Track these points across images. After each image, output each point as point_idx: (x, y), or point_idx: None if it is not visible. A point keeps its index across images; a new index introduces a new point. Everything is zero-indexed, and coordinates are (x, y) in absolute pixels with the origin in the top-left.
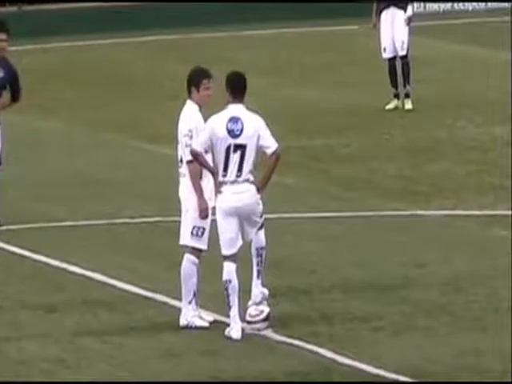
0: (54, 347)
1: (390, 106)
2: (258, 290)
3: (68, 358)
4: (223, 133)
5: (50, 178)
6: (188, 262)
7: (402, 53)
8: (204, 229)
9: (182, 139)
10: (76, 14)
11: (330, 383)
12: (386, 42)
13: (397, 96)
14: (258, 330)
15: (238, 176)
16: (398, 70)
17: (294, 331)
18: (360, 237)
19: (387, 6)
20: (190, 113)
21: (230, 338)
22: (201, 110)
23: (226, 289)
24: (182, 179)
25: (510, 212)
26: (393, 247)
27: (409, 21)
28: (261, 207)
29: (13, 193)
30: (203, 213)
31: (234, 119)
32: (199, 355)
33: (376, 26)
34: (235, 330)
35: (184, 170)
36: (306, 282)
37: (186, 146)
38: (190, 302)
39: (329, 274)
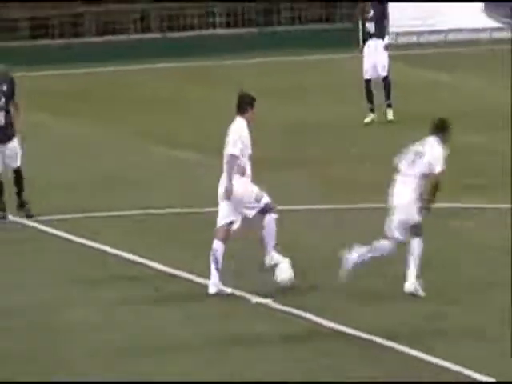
0: (94, 315)
1: (368, 119)
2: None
3: (106, 324)
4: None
5: (92, 177)
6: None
7: (384, 74)
8: None
9: (231, 148)
10: (111, 46)
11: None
12: (367, 65)
13: (372, 110)
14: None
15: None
16: (374, 89)
17: (289, 301)
18: (347, 226)
19: (371, 37)
20: (241, 126)
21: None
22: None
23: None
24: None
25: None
26: (370, 233)
27: (386, 47)
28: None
29: (62, 189)
30: (228, 194)
31: None
32: (214, 320)
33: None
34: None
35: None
36: (302, 262)
37: (237, 151)
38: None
39: (320, 255)
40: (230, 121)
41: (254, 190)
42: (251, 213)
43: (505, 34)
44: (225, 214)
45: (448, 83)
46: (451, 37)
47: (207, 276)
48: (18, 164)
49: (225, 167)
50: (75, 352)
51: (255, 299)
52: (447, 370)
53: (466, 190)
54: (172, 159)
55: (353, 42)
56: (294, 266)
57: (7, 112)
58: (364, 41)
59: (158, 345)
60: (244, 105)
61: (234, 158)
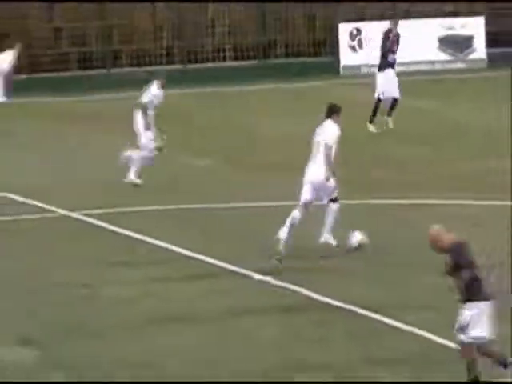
0: (126, 291)
1: (372, 129)
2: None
3: (137, 297)
4: None
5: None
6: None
7: (397, 95)
8: None
9: (330, 140)
10: (142, 75)
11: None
12: (382, 88)
13: (372, 122)
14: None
15: None
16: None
17: (286, 278)
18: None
19: (390, 66)
20: (334, 127)
21: None
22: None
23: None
24: (316, 164)
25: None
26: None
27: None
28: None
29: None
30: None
31: None
32: (224, 294)
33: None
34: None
35: (321, 157)
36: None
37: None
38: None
39: (309, 242)
40: (234, 133)
41: (334, 182)
42: (326, 198)
43: (456, 65)
44: (305, 194)
45: (412, 105)
46: (412, 68)
47: (221, 258)
48: None
49: (324, 156)
50: (111, 321)
51: (258, 277)
52: (416, 335)
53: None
54: (189, 166)
55: (333, 72)
56: (293, 250)
57: None
58: (381, 68)
59: (180, 315)
60: (331, 112)
61: (331, 149)
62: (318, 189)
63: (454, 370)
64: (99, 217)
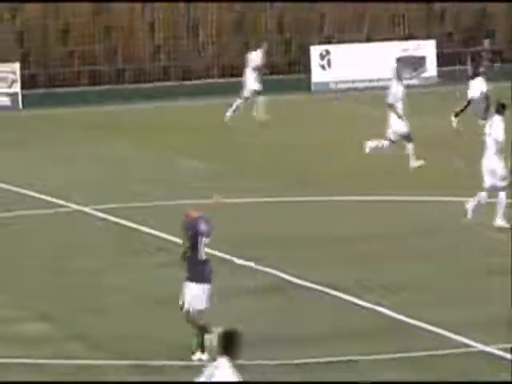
0: (134, 275)
1: (454, 124)
2: None
3: (143, 280)
4: None
5: (132, 181)
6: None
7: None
8: None
9: (500, 135)
10: (143, 90)
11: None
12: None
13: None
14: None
15: None
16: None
17: (266, 264)
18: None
19: (472, 78)
20: (502, 123)
21: None
22: None
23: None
24: (488, 155)
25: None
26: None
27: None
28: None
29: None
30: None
31: None
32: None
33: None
34: None
35: (492, 149)
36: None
37: (502, 137)
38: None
39: (291, 234)
40: (228, 138)
41: (504, 170)
42: (499, 185)
43: (411, 81)
44: (486, 181)
45: (371, 115)
46: (375, 84)
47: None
48: None
49: (495, 148)
50: (122, 301)
51: (239, 261)
52: (380, 313)
53: None
54: (188, 168)
55: (305, 87)
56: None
57: None
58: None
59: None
60: (500, 109)
61: (501, 143)
62: (492, 176)
63: (407, 342)
64: (108, 211)
